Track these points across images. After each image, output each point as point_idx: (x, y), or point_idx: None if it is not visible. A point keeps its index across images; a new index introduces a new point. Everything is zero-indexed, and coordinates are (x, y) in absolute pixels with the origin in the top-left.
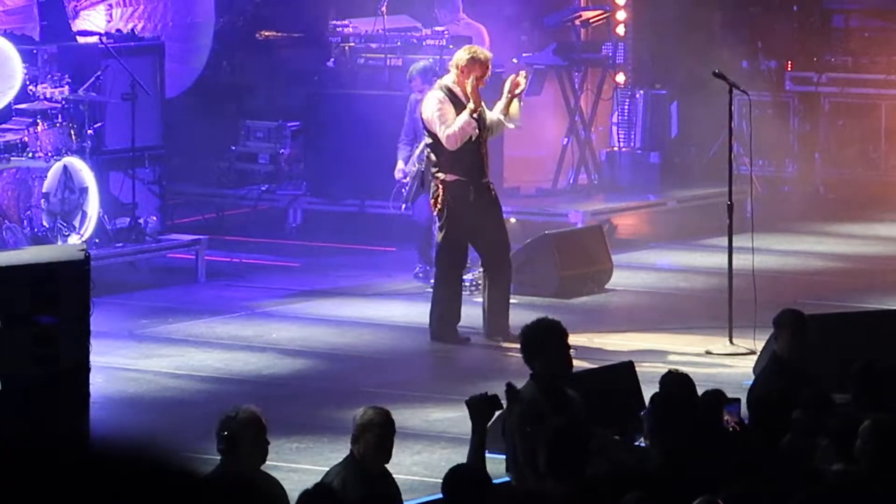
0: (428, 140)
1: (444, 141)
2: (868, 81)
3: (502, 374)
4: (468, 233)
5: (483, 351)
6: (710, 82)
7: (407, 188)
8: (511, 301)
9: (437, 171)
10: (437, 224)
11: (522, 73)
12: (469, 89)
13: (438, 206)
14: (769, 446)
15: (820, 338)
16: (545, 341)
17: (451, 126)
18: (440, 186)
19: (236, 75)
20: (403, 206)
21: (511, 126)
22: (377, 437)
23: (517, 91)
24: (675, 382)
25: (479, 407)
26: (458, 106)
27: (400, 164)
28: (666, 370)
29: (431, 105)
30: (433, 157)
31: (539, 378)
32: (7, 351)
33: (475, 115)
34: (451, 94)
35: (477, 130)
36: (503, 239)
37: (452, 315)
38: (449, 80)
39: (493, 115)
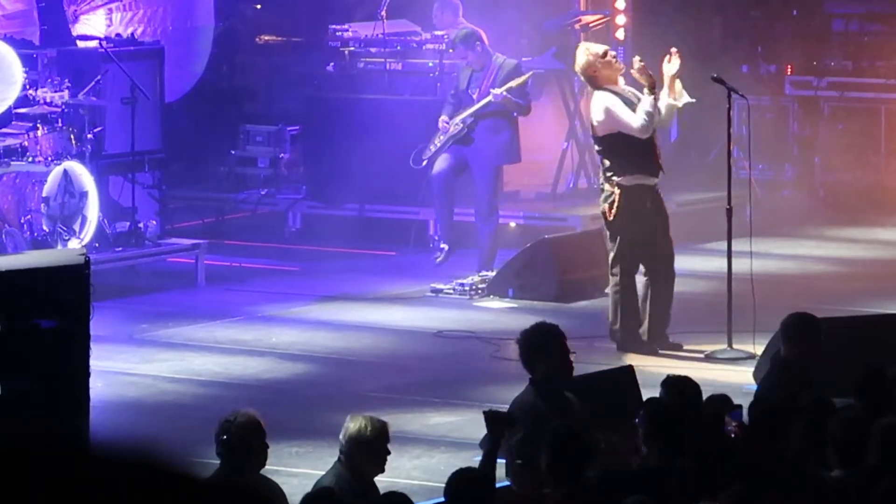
0: (596, 148)
1: (636, 131)
2: (868, 86)
3: (502, 378)
4: (642, 240)
5: (483, 355)
6: (710, 87)
7: (436, 147)
8: (511, 305)
9: (613, 175)
10: (610, 232)
11: (673, 49)
12: (636, 74)
13: (615, 212)
14: (770, 451)
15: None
16: (545, 346)
17: (637, 114)
18: (618, 192)
19: (236, 79)
20: (424, 162)
21: (682, 103)
22: (371, 451)
23: (673, 71)
24: (679, 386)
25: (495, 423)
26: (626, 103)
27: (444, 116)
28: (666, 374)
29: (600, 108)
30: (606, 161)
31: (538, 383)
32: (7, 355)
33: (655, 94)
34: (613, 92)
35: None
36: (669, 250)
37: (637, 323)
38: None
39: (661, 103)
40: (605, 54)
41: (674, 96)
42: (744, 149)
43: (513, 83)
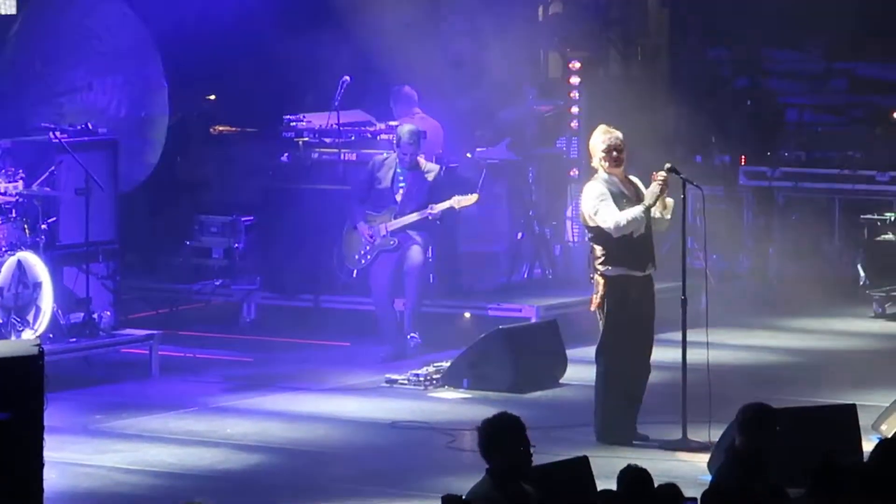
0: (588, 235)
1: (610, 228)
2: (822, 176)
3: (458, 469)
4: (627, 330)
5: (439, 446)
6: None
7: (366, 254)
8: (466, 396)
9: (600, 264)
10: (600, 320)
11: (667, 167)
12: (657, 183)
13: (597, 301)
14: None
15: None
16: (505, 436)
17: (621, 215)
18: (602, 281)
19: (190, 170)
20: (355, 271)
21: (663, 227)
22: None
23: (663, 188)
24: (633, 477)
25: None
26: (616, 196)
27: (363, 227)
28: (619, 465)
29: (591, 199)
30: (597, 250)
31: (496, 473)
32: None
33: (649, 211)
34: (609, 183)
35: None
36: (649, 343)
37: (612, 415)
38: (602, 171)
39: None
40: (611, 149)
41: (660, 211)
42: (698, 239)
43: (445, 206)
